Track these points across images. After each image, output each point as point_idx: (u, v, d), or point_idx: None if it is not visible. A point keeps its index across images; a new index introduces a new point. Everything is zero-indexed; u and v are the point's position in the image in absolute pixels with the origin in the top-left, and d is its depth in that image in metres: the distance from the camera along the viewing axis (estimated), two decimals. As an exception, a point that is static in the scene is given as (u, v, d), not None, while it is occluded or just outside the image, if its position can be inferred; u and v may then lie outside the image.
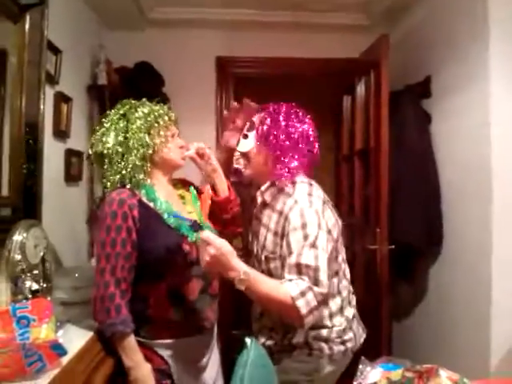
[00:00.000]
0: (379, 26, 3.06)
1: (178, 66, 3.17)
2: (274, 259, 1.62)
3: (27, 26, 1.80)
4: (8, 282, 1.48)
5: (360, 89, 3.11)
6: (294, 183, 1.65)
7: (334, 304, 1.69)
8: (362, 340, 1.78)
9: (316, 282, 1.44)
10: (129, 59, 3.02)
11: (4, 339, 1.13)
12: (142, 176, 1.52)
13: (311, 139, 1.68)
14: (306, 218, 1.51)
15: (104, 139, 1.52)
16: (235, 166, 1.83)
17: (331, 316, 1.68)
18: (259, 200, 1.73)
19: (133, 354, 1.41)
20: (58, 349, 1.18)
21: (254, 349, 1.32)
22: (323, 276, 1.46)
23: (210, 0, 2.99)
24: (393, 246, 2.64)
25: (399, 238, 2.62)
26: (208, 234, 1.41)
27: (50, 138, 2.19)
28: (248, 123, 1.73)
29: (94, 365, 1.36)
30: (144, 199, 1.51)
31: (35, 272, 1.57)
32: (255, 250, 1.75)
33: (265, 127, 1.65)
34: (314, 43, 3.25)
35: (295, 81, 3.60)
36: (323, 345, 1.65)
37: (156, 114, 1.56)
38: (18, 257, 1.51)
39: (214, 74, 3.28)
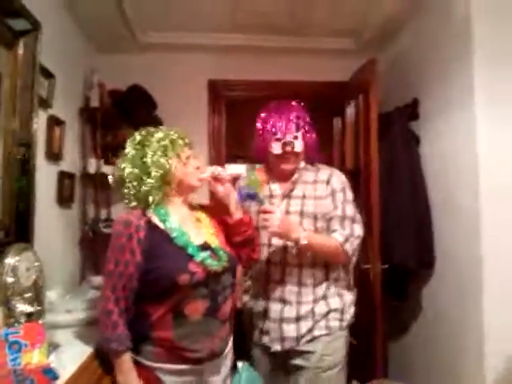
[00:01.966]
0: (368, 50, 3.12)
1: (170, 89, 3.21)
2: (315, 218, 1.87)
3: (20, 52, 1.84)
4: (0, 304, 1.48)
5: (350, 111, 3.16)
6: (311, 163, 1.99)
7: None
8: None
9: (353, 229, 1.84)
10: (121, 82, 3.06)
11: (-4, 365, 1.12)
12: (158, 197, 1.56)
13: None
14: (344, 182, 1.92)
15: (123, 165, 1.58)
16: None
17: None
18: (293, 178, 1.92)
19: (126, 372, 1.42)
20: (49, 373, 1.17)
21: (245, 371, 1.33)
22: (358, 223, 1.87)
23: (202, 24, 3.03)
24: (386, 266, 2.65)
25: (392, 259, 2.63)
26: (269, 205, 1.76)
27: (42, 160, 2.20)
28: (291, 125, 1.87)
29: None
30: (155, 220, 1.54)
31: (27, 295, 1.57)
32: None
33: (308, 124, 1.91)
34: (304, 67, 3.31)
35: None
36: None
37: (171, 137, 1.59)
38: (11, 280, 1.51)
39: (206, 97, 3.32)
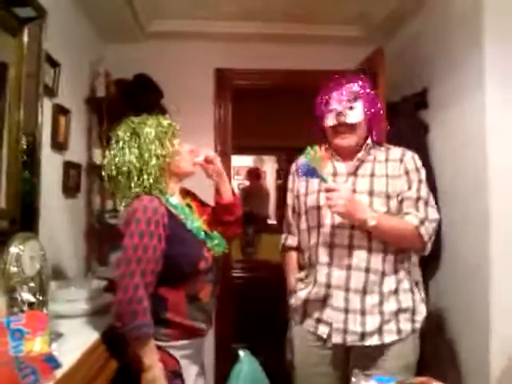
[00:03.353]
0: (376, 38, 3.08)
1: (176, 78, 3.19)
2: (385, 197, 1.76)
3: (26, 39, 1.83)
4: (4, 294, 1.48)
5: (357, 100, 3.12)
6: (382, 145, 1.89)
7: None
8: None
9: (428, 212, 1.72)
10: (127, 71, 3.04)
11: (-2, 352, 1.13)
12: (162, 186, 1.59)
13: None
14: (418, 162, 1.82)
15: (119, 159, 1.58)
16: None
17: None
18: (360, 155, 1.81)
19: (153, 353, 1.46)
20: (51, 362, 1.17)
21: (247, 362, 1.32)
22: (432, 205, 1.77)
23: (208, 12, 3.01)
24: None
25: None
26: (333, 183, 1.68)
27: (48, 150, 2.20)
28: (346, 95, 1.79)
29: (90, 377, 1.35)
30: (169, 207, 1.58)
31: (31, 284, 1.57)
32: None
33: (370, 94, 1.83)
34: (311, 55, 3.28)
35: (293, 92, 3.62)
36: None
37: (164, 124, 1.62)
38: (14, 269, 1.51)
39: (212, 86, 3.31)
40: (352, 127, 1.77)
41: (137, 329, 1.41)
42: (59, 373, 1.22)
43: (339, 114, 1.76)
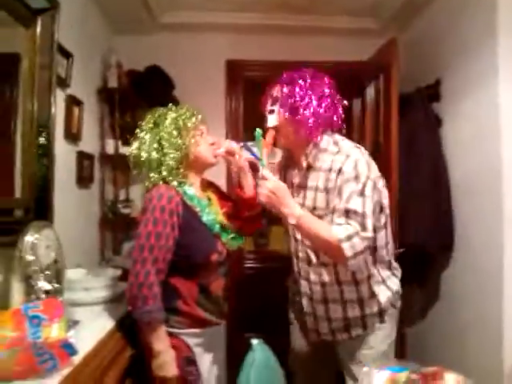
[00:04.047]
0: (389, 30, 3.06)
1: (188, 70, 3.19)
2: (326, 215, 1.64)
3: (38, 31, 1.83)
4: (21, 282, 1.50)
5: (370, 92, 3.10)
6: (335, 142, 1.70)
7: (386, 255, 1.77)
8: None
9: (363, 227, 1.53)
10: (139, 63, 3.05)
11: (16, 338, 1.15)
12: (178, 177, 1.60)
13: (333, 95, 1.71)
14: (359, 169, 1.58)
15: (140, 149, 1.61)
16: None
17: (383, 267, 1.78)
18: (304, 164, 1.73)
19: (163, 339, 1.50)
20: (68, 348, 1.18)
21: (260, 350, 1.33)
22: (369, 222, 1.54)
23: (219, 4, 3.00)
24: (403, 249, 2.62)
25: (410, 241, 2.60)
26: (267, 172, 1.58)
27: (61, 140, 2.22)
28: (269, 99, 1.75)
29: (106, 364, 1.37)
30: (185, 197, 1.59)
31: (47, 273, 1.59)
32: None
33: (286, 96, 1.67)
34: (323, 47, 3.26)
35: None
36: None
37: (184, 116, 1.63)
38: (31, 257, 1.54)
39: (223, 77, 3.29)
40: (275, 130, 1.72)
41: (147, 313, 1.44)
42: (76, 359, 1.24)
43: (265, 117, 1.74)
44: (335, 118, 1.71)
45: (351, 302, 1.73)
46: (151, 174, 1.61)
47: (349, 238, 1.51)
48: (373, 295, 1.73)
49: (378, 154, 2.86)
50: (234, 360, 1.81)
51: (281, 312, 2.02)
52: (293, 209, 1.56)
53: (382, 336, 1.77)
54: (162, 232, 1.49)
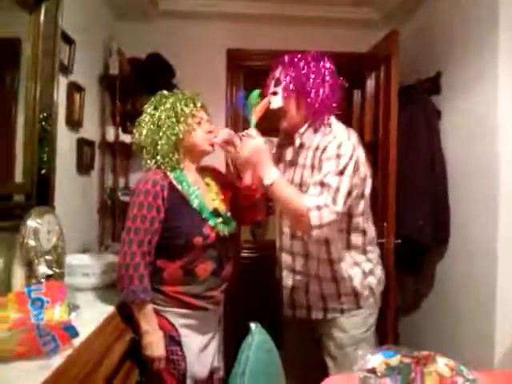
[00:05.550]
0: (391, 21, 3.06)
1: (188, 58, 3.19)
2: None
3: (42, 17, 1.83)
4: (22, 266, 1.52)
5: (370, 83, 3.11)
6: (329, 125, 1.74)
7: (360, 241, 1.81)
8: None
9: (334, 201, 1.56)
10: (140, 50, 3.05)
11: (20, 319, 1.17)
12: (172, 161, 1.63)
13: (333, 78, 1.74)
14: (342, 150, 1.61)
15: (140, 130, 1.66)
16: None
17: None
18: (297, 142, 1.78)
19: (150, 319, 1.54)
20: (70, 330, 1.21)
21: (258, 333, 1.35)
22: (341, 198, 1.57)
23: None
24: (399, 241, 2.65)
25: (406, 233, 2.63)
26: (254, 131, 1.64)
27: (62, 126, 2.22)
28: (273, 80, 1.78)
29: (106, 347, 1.39)
30: (174, 182, 1.62)
31: (48, 257, 1.62)
32: None
33: (289, 77, 1.71)
34: (325, 37, 3.25)
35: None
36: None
37: (182, 102, 1.64)
38: (32, 242, 1.56)
39: (224, 66, 3.29)
40: (280, 111, 1.76)
41: (132, 293, 1.49)
42: (77, 341, 1.27)
43: (269, 99, 1.77)
44: (335, 101, 1.74)
45: (326, 280, 1.79)
46: (147, 158, 1.65)
47: (318, 208, 1.54)
48: (347, 276, 1.78)
49: (377, 145, 2.89)
50: (230, 347, 1.83)
51: (277, 301, 2.05)
52: (269, 171, 1.59)
53: (357, 322, 1.81)
54: (146, 215, 1.53)
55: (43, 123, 1.88)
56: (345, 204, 1.59)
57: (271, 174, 1.59)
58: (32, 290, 1.24)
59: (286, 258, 1.88)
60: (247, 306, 3.19)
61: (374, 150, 2.97)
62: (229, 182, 1.87)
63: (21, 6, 1.75)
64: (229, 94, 3.32)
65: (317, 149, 1.70)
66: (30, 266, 1.55)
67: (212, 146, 1.70)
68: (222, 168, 1.99)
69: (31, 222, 1.58)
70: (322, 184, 1.58)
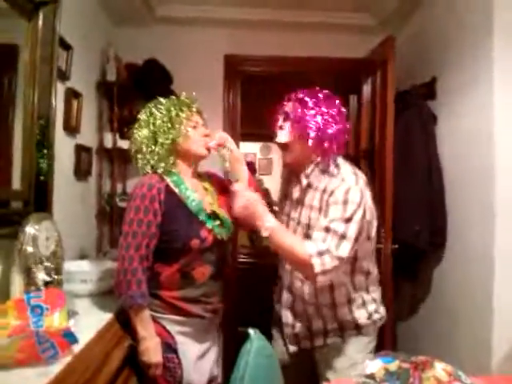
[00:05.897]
0: (386, 27, 3.08)
1: (186, 64, 3.19)
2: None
3: (40, 23, 1.84)
4: (21, 273, 1.52)
5: (366, 88, 3.13)
6: (337, 165, 1.73)
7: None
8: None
9: (337, 247, 1.53)
10: (137, 56, 3.06)
11: (19, 326, 1.17)
12: (167, 165, 1.64)
13: (342, 120, 1.75)
14: (350, 196, 1.59)
15: (135, 136, 1.67)
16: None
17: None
18: (304, 183, 1.76)
19: (147, 325, 1.54)
20: (69, 337, 1.21)
21: (257, 339, 1.36)
22: (347, 245, 1.55)
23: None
24: (396, 246, 2.66)
25: (403, 238, 2.64)
26: (240, 185, 1.65)
27: (60, 133, 2.22)
28: (281, 115, 1.78)
29: (105, 353, 1.39)
30: (171, 185, 1.63)
31: (47, 264, 1.61)
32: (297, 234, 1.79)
33: (298, 115, 1.70)
34: (321, 43, 3.27)
35: (301, 79, 3.61)
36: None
37: (177, 107, 1.66)
38: (31, 249, 1.56)
39: (221, 72, 3.30)
40: (285, 146, 1.76)
41: (129, 298, 1.50)
42: (76, 348, 1.27)
43: (275, 133, 1.79)
44: (342, 142, 1.74)
45: (329, 319, 1.80)
46: (143, 163, 1.66)
47: (320, 254, 1.52)
48: (350, 319, 1.79)
49: (374, 151, 2.90)
50: (226, 353, 1.84)
51: (273, 308, 2.05)
52: (265, 221, 1.57)
53: (358, 346, 1.80)
54: (143, 219, 1.54)
55: (41, 129, 1.88)
56: (351, 250, 1.57)
57: (269, 224, 1.57)
58: (31, 297, 1.25)
59: (286, 299, 1.89)
60: (245, 312, 3.19)
61: (370, 155, 2.99)
62: (227, 187, 1.86)
63: (19, 13, 1.75)
64: (226, 99, 3.33)
65: (324, 191, 1.68)
66: (28, 273, 1.54)
67: (208, 150, 1.72)
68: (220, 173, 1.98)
69: (29, 229, 1.58)
70: (327, 230, 1.56)
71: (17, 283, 1.51)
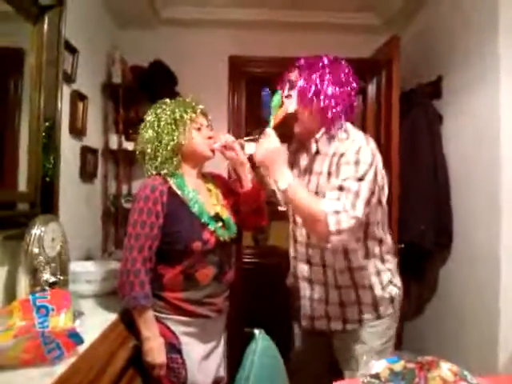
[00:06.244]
0: (391, 26, 3.07)
1: (190, 65, 3.20)
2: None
3: (46, 27, 1.85)
4: (27, 274, 1.53)
5: (371, 88, 3.13)
6: (346, 131, 1.68)
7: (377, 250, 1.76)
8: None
9: (353, 206, 1.49)
10: (142, 58, 3.07)
11: (25, 326, 1.18)
12: (172, 167, 1.64)
13: (348, 83, 1.70)
14: (361, 156, 1.55)
15: (140, 137, 1.68)
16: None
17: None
18: (313, 148, 1.72)
19: (150, 325, 1.55)
20: (75, 337, 1.22)
21: (262, 339, 1.36)
22: (361, 203, 1.50)
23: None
24: (402, 245, 2.65)
25: (409, 238, 2.63)
26: (272, 131, 1.61)
27: (66, 135, 2.24)
28: (287, 83, 1.73)
29: (110, 353, 1.40)
30: (174, 187, 1.63)
31: (52, 265, 1.63)
32: None
33: (305, 82, 1.65)
34: (326, 43, 3.25)
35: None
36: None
37: (181, 108, 1.66)
38: (36, 250, 1.57)
39: (226, 73, 3.31)
40: (294, 115, 1.70)
41: (132, 300, 1.50)
42: (81, 348, 1.27)
43: (283, 102, 1.72)
44: (351, 106, 1.70)
45: (346, 289, 1.74)
46: (147, 165, 1.67)
47: (336, 212, 1.47)
48: (367, 285, 1.73)
49: (379, 151, 2.89)
50: (231, 353, 1.83)
51: (279, 308, 2.04)
52: (285, 173, 1.55)
53: (376, 333, 1.76)
54: (146, 220, 1.54)
55: (47, 132, 1.89)
56: (364, 210, 1.53)
57: (286, 177, 1.54)
58: (37, 297, 1.26)
59: (302, 268, 1.81)
60: (249, 313, 3.19)
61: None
62: (232, 188, 1.86)
63: (25, 17, 1.76)
64: (231, 100, 3.33)
65: (334, 155, 1.64)
66: (34, 274, 1.56)
67: (212, 151, 1.72)
68: (225, 174, 1.98)
69: (36, 230, 1.59)
70: (341, 188, 1.52)
71: (23, 284, 1.52)
